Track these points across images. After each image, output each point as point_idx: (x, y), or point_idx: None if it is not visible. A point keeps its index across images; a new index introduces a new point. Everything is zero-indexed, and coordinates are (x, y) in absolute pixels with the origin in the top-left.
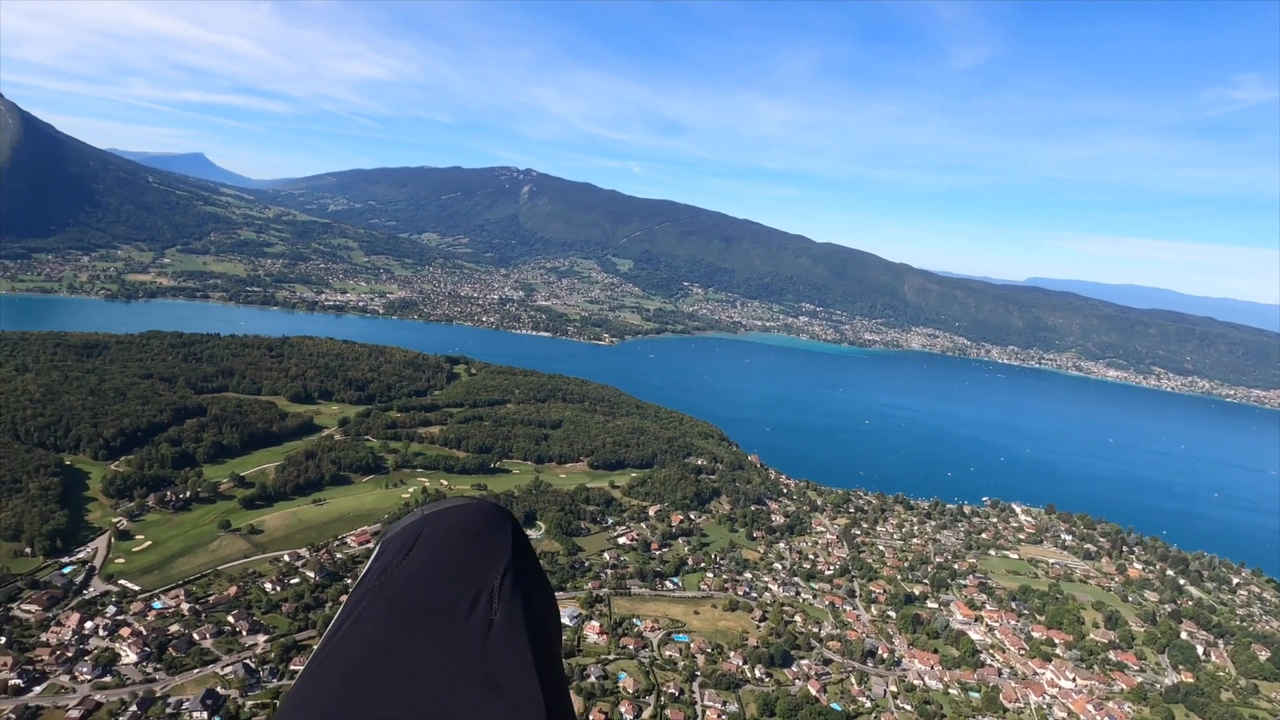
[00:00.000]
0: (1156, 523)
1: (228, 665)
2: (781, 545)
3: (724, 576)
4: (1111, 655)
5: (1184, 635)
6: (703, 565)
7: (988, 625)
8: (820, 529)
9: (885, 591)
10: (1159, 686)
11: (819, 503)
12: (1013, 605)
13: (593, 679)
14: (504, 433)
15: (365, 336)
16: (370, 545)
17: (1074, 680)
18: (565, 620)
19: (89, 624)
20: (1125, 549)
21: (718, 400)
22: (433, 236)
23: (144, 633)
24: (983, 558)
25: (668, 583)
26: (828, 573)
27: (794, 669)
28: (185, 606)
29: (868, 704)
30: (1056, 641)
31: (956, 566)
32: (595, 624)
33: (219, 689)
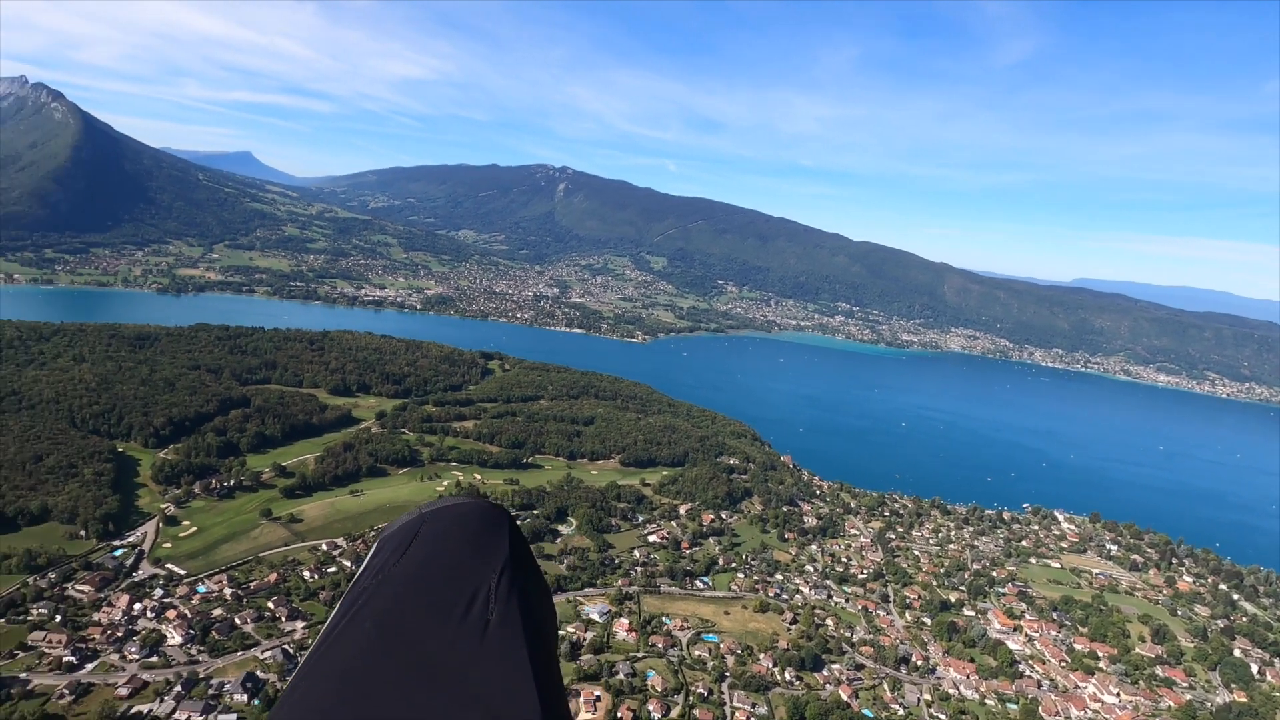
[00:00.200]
0: (1209, 535)
1: (267, 650)
2: (814, 547)
3: (755, 577)
4: (1159, 671)
5: (1237, 653)
6: (733, 565)
7: (1027, 635)
8: (854, 532)
9: (920, 597)
10: (1209, 705)
11: (853, 505)
12: (1054, 616)
13: (621, 676)
14: (537, 428)
15: (402, 331)
16: None
17: (1118, 695)
18: (595, 616)
19: (137, 605)
20: (1175, 561)
21: (750, 400)
22: (469, 233)
23: (188, 615)
24: (1023, 566)
25: (698, 582)
26: (861, 576)
27: (825, 673)
28: (228, 591)
29: (901, 711)
30: (1100, 654)
31: (995, 574)
32: (624, 621)
33: (258, 673)
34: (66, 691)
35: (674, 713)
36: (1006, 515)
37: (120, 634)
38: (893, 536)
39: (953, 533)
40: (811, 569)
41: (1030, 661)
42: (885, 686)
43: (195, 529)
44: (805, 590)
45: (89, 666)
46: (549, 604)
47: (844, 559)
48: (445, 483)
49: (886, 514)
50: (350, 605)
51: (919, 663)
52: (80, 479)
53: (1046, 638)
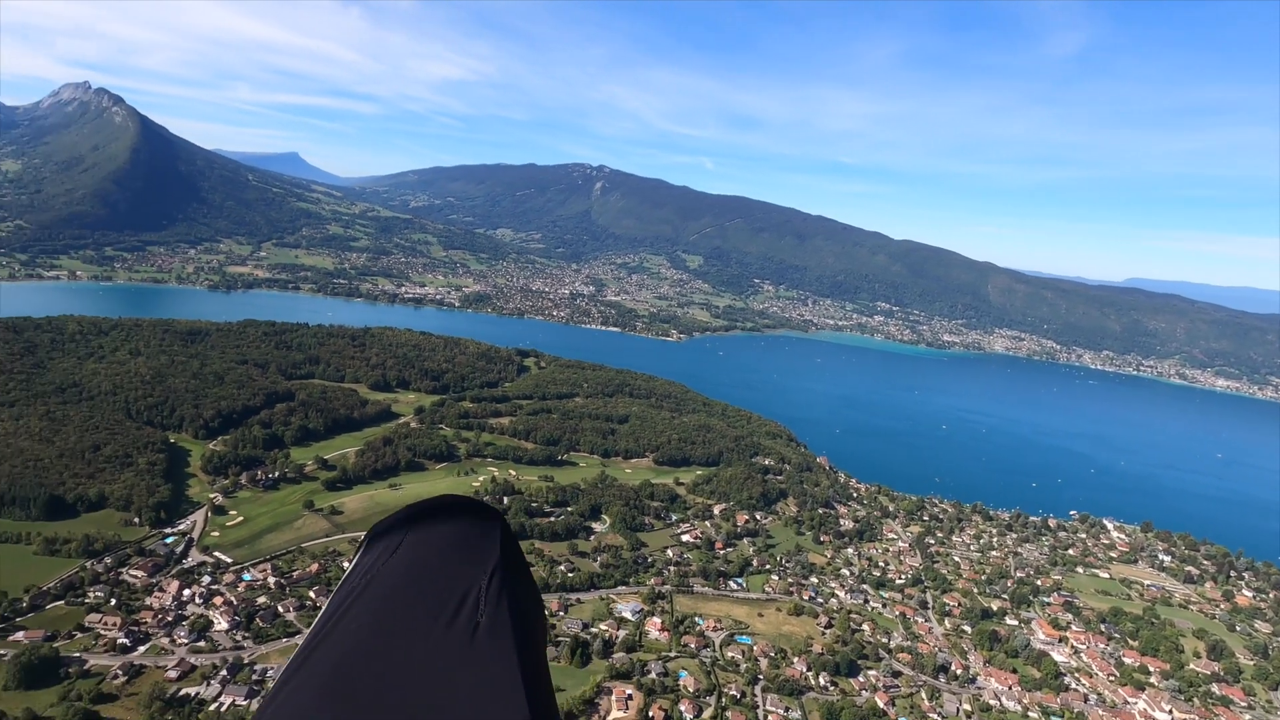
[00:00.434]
0: (1271, 547)
1: None
2: (850, 551)
3: (789, 580)
4: (1215, 689)
5: None
6: (768, 567)
7: (1073, 647)
8: (891, 536)
9: (960, 605)
10: None
11: (891, 509)
12: (1102, 627)
13: (653, 675)
14: (571, 426)
15: (441, 328)
16: None
17: (1170, 713)
18: (627, 615)
19: (186, 591)
20: (1233, 574)
21: (786, 400)
22: (507, 232)
23: (234, 602)
24: (1069, 575)
25: (731, 583)
26: (899, 582)
27: (861, 679)
28: (272, 580)
29: None
30: (1151, 669)
31: (1039, 583)
32: (657, 620)
33: None
34: (120, 672)
35: (706, 714)
36: (1052, 522)
37: (170, 618)
38: (932, 542)
39: (995, 539)
40: (847, 573)
41: (1076, 674)
42: (923, 695)
43: (241, 519)
44: (841, 594)
45: (141, 649)
46: (540, 607)
47: (881, 563)
48: (481, 478)
49: (926, 518)
50: (338, 606)
51: (959, 672)
52: (135, 468)
53: (1094, 650)
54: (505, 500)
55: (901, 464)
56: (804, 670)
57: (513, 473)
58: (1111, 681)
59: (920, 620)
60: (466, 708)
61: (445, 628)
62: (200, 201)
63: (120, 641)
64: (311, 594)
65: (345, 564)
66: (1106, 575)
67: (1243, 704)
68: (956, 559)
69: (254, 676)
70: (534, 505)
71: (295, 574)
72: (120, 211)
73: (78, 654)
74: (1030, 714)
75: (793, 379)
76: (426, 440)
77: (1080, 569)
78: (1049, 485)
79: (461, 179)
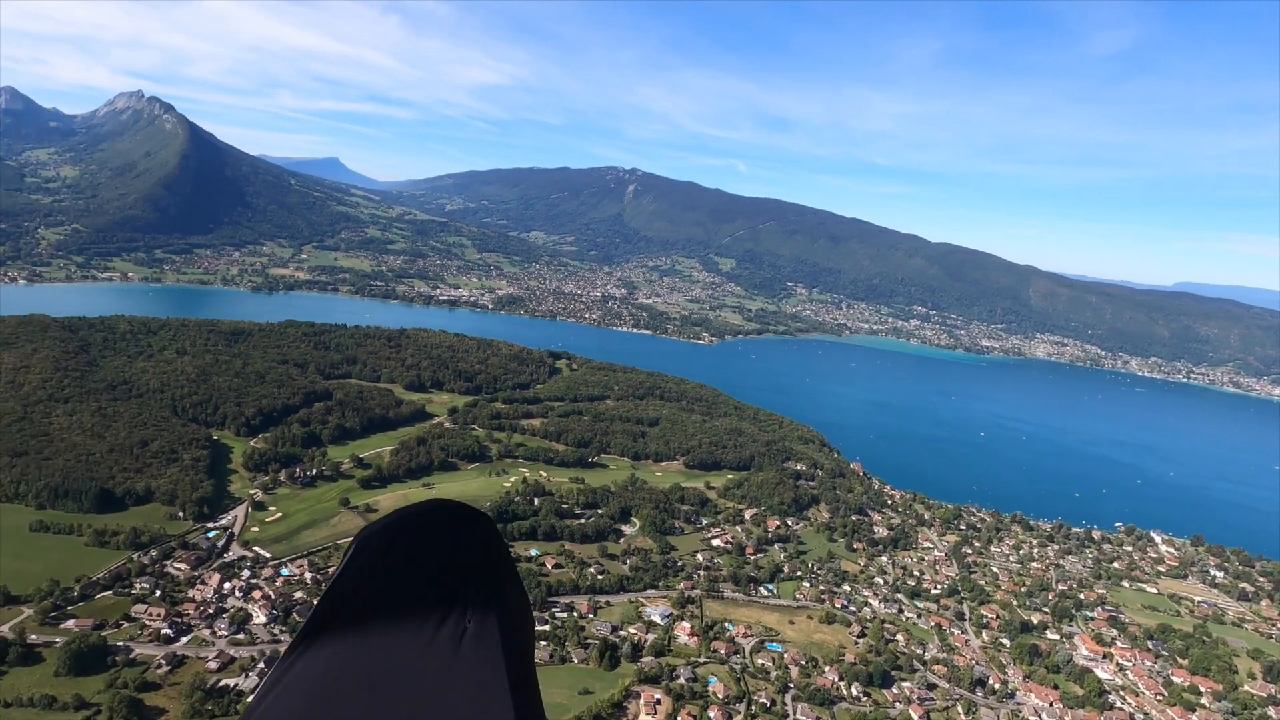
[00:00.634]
0: None
1: None
2: (884, 559)
3: (821, 587)
4: (1271, 712)
5: None
6: (799, 574)
7: (1118, 664)
8: (927, 545)
9: (999, 617)
10: None
11: (926, 517)
12: (1149, 645)
13: (682, 680)
14: (602, 428)
15: (474, 330)
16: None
17: None
18: (656, 619)
19: (227, 585)
20: None
21: (819, 405)
22: (540, 235)
23: (272, 596)
24: (1114, 589)
25: (762, 589)
26: (934, 592)
27: (894, 691)
28: (308, 575)
29: None
30: (1202, 690)
31: (1082, 596)
32: (686, 625)
33: None
34: (163, 662)
35: None
36: (1096, 534)
37: (211, 611)
38: (969, 551)
39: (1035, 550)
40: (881, 581)
41: (1121, 692)
42: (959, 709)
43: (280, 514)
44: (874, 603)
45: (183, 640)
46: (528, 612)
47: (916, 572)
48: (512, 479)
49: (963, 527)
50: (323, 614)
51: (996, 686)
52: (180, 464)
53: (1140, 668)
54: (536, 501)
55: (938, 471)
56: (836, 680)
57: (544, 474)
58: (1159, 701)
59: (956, 632)
60: (453, 714)
61: (432, 634)
62: (245, 205)
63: (164, 632)
64: None
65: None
66: (1154, 590)
67: None
68: (995, 570)
69: None
70: (564, 507)
71: (330, 570)
72: (170, 215)
73: (124, 643)
74: None
75: (826, 383)
76: (459, 440)
77: (1126, 583)
78: (1093, 495)
79: (496, 182)
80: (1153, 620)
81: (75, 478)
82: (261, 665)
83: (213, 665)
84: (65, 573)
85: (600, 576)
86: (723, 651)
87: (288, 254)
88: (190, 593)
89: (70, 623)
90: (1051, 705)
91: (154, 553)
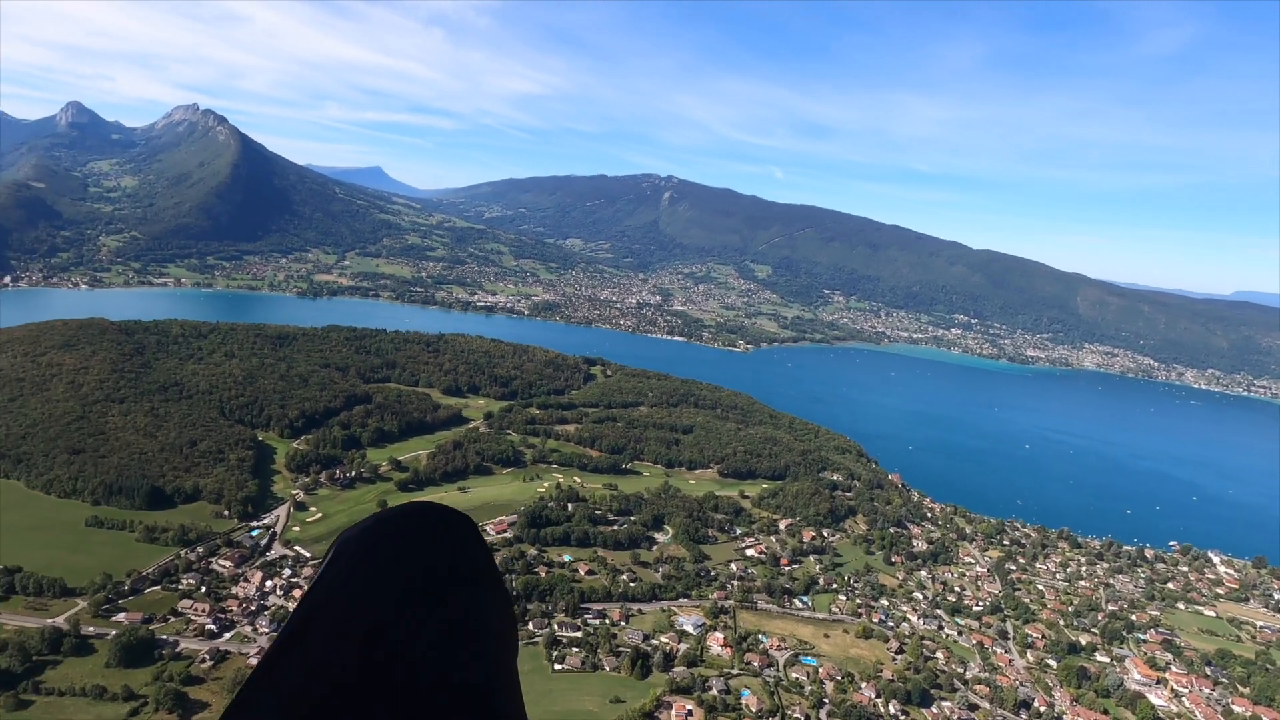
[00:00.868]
0: None
1: None
2: (923, 574)
3: (858, 601)
4: None
5: None
6: (835, 586)
7: (1173, 690)
8: (968, 560)
9: (1044, 637)
10: None
11: (968, 531)
12: (1207, 670)
13: (714, 692)
14: (636, 435)
15: (511, 336)
16: (507, 535)
17: None
18: (689, 628)
19: (269, 582)
20: None
21: (856, 414)
22: (576, 242)
23: None
24: (1168, 611)
25: (797, 601)
26: (976, 609)
27: (934, 710)
28: None
29: None
30: None
31: (1134, 618)
32: (719, 635)
33: None
34: (207, 657)
35: None
36: (1149, 553)
37: (254, 608)
38: (1013, 568)
39: (1084, 568)
40: (920, 596)
41: None
42: None
43: (320, 515)
44: (913, 618)
45: (226, 636)
46: (510, 614)
47: (957, 588)
48: (546, 484)
49: (1006, 543)
50: (301, 618)
51: (1042, 709)
52: (226, 464)
53: (1198, 695)
54: (570, 507)
55: (980, 484)
56: (872, 697)
57: (577, 480)
58: None
59: (999, 651)
60: (435, 716)
61: (412, 638)
62: (292, 214)
63: (208, 627)
64: None
65: (310, 571)
66: (1212, 613)
67: None
68: (1040, 587)
69: None
70: (598, 513)
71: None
72: (221, 223)
73: (171, 637)
74: None
75: (863, 393)
76: (494, 445)
77: (1181, 605)
78: (1145, 512)
79: (533, 190)
80: (1210, 645)
81: (128, 475)
82: None
83: (254, 661)
84: (117, 567)
85: (632, 584)
86: (756, 664)
87: (331, 260)
88: (234, 589)
89: (121, 616)
90: None
91: (200, 550)
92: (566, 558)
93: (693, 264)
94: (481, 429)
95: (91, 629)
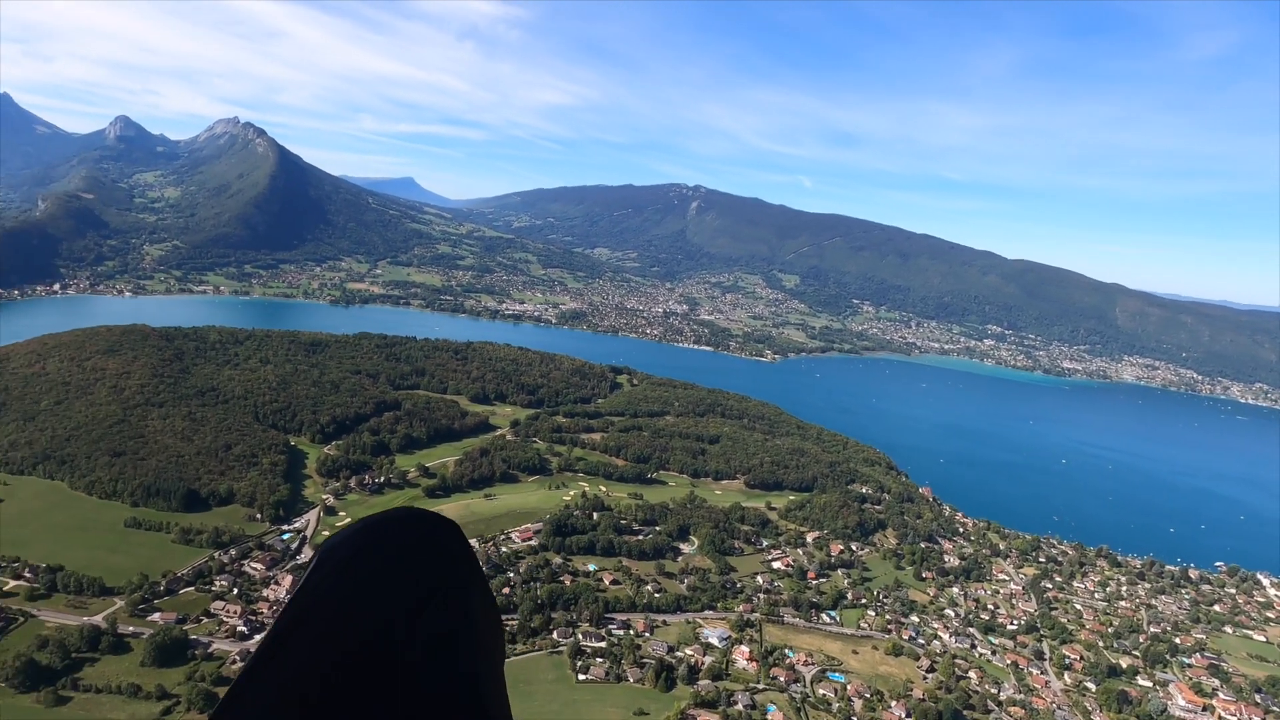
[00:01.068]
0: None
1: None
2: (955, 590)
3: (887, 616)
4: None
5: None
6: (863, 601)
7: (1220, 717)
8: (1002, 577)
9: (1083, 658)
10: None
11: (1001, 547)
12: (1257, 698)
13: (740, 707)
14: (662, 444)
15: (538, 344)
16: (533, 543)
17: None
18: (714, 641)
19: None
20: None
21: (886, 426)
22: (604, 251)
23: None
24: (1214, 635)
25: (824, 615)
26: (1010, 627)
27: None
28: None
29: None
30: None
31: (1179, 641)
32: (745, 649)
33: None
34: (238, 658)
35: None
36: (1193, 573)
37: None
38: (1049, 586)
39: (1124, 588)
40: (952, 613)
41: None
42: None
43: (349, 520)
44: (944, 636)
45: (257, 638)
46: (496, 620)
47: (990, 606)
48: (571, 493)
49: (1042, 560)
50: (286, 625)
51: None
52: (260, 468)
53: None
54: (595, 516)
55: (1014, 499)
56: (902, 716)
57: (603, 489)
58: None
59: (1035, 672)
60: None
61: (399, 644)
62: (326, 223)
63: (239, 629)
64: None
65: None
66: (1262, 638)
67: None
68: (1078, 607)
69: None
70: (623, 522)
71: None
72: (259, 233)
73: (203, 638)
74: None
75: (893, 404)
76: (520, 453)
77: (1229, 629)
78: (1189, 531)
79: (562, 200)
80: (1260, 671)
81: (166, 478)
82: None
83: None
84: (154, 567)
85: (657, 595)
86: (782, 679)
87: (364, 269)
88: (265, 592)
89: (156, 616)
90: None
91: (233, 552)
92: (591, 567)
93: (720, 273)
94: (508, 436)
95: (129, 628)
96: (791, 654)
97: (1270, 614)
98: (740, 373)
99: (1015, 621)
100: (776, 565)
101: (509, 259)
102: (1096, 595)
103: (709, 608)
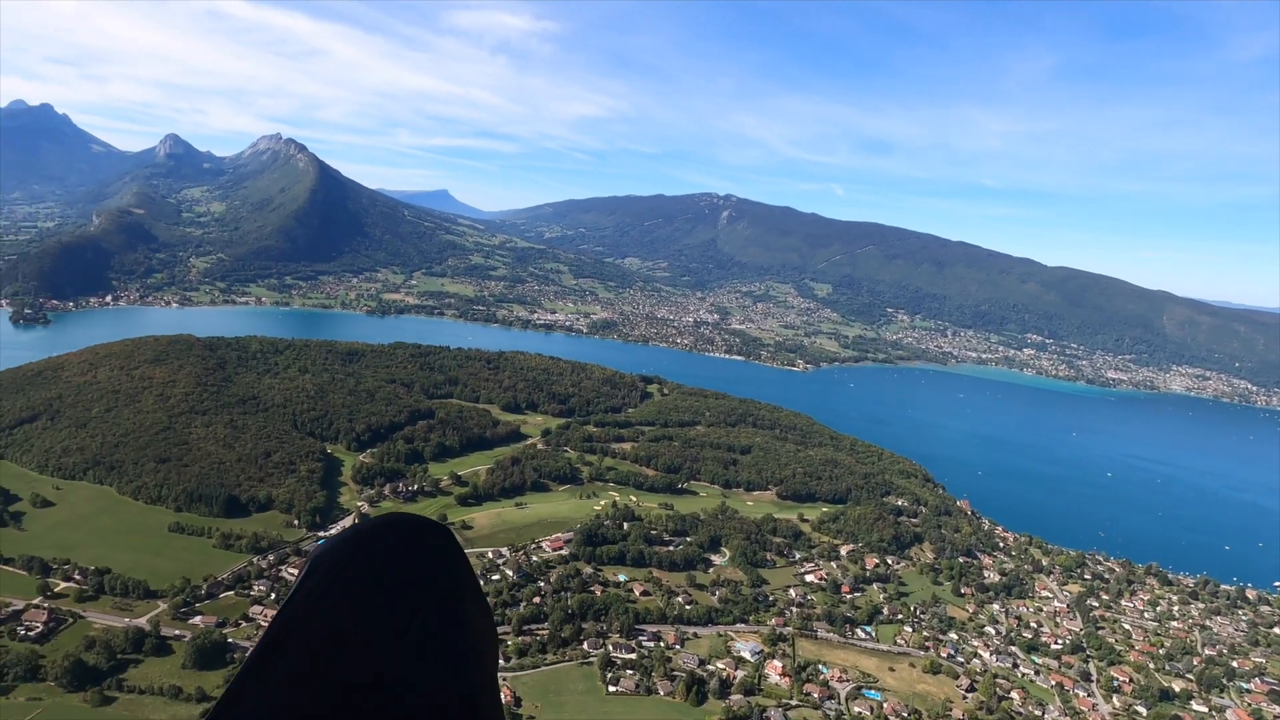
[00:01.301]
0: None
1: None
2: (996, 607)
3: (925, 633)
4: None
5: None
6: (900, 617)
7: None
8: (1045, 594)
9: (1133, 681)
10: None
11: (1044, 563)
12: None
13: None
14: (693, 454)
15: (569, 354)
16: (563, 552)
17: None
18: (746, 655)
19: None
20: None
21: (922, 437)
22: (634, 261)
23: None
24: (1275, 658)
25: (859, 631)
26: (1054, 647)
27: None
28: None
29: None
30: None
31: (1235, 664)
32: (778, 664)
33: None
34: None
35: None
36: (1251, 593)
37: None
38: (1096, 604)
39: (1176, 608)
40: (993, 631)
41: None
42: None
43: None
44: (985, 654)
45: None
46: (490, 626)
47: (1033, 624)
48: (602, 502)
49: (1087, 577)
50: (279, 631)
51: None
52: (297, 475)
53: None
54: (625, 526)
55: (1057, 513)
56: None
57: (633, 498)
58: None
59: (1082, 694)
60: None
61: (391, 650)
62: (364, 235)
63: None
64: None
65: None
66: None
67: None
68: (1127, 626)
69: None
70: (653, 533)
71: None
72: (299, 245)
73: (243, 641)
74: None
75: (929, 414)
76: (552, 462)
77: None
78: (1246, 549)
79: (593, 210)
80: None
81: (208, 484)
82: None
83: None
84: (195, 571)
85: (688, 606)
86: (816, 695)
87: (399, 280)
88: None
89: (197, 619)
90: None
91: (271, 557)
92: (621, 577)
93: (751, 282)
94: (539, 446)
95: (172, 631)
96: (825, 670)
97: None
98: (772, 382)
99: (1060, 641)
100: (809, 578)
101: (541, 269)
102: (1146, 615)
103: (740, 621)
